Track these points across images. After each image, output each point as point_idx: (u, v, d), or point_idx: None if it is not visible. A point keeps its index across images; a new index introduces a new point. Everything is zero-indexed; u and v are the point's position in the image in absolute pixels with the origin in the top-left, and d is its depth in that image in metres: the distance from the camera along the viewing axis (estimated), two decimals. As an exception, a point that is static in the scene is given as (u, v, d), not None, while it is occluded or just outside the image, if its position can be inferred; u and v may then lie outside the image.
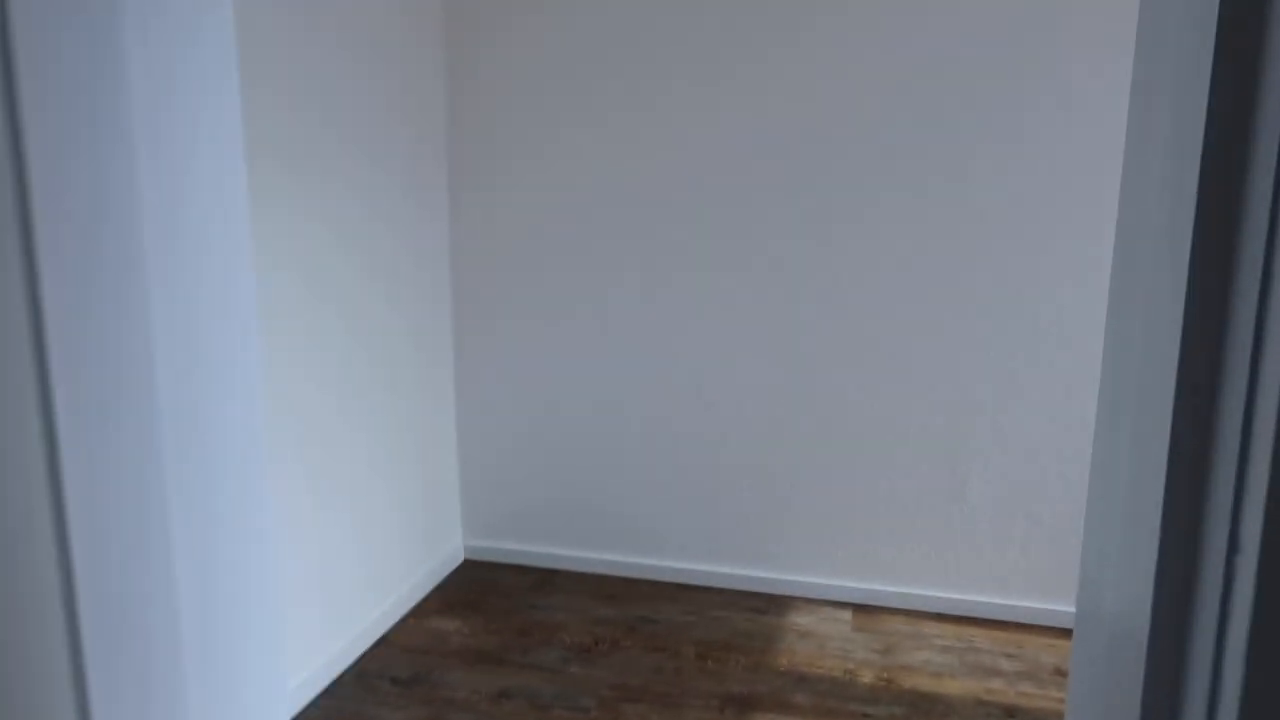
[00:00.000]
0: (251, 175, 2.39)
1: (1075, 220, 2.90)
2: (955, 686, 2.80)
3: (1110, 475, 0.79)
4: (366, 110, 2.88)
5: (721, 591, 3.42)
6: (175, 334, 0.71)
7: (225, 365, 0.77)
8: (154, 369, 0.69)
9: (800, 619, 3.22)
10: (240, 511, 0.82)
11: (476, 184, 3.38)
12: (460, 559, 3.66)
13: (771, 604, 3.33)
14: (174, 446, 0.72)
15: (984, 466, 3.13)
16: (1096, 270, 2.89)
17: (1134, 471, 0.71)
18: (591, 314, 3.37)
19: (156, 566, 0.72)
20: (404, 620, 3.19)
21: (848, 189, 3.06)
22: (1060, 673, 2.88)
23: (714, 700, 2.72)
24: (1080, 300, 2.93)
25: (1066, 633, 3.12)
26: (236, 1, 0.82)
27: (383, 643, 3.04)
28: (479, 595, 3.39)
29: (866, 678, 2.85)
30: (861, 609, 3.30)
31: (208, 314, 0.74)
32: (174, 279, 0.70)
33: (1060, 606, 3.16)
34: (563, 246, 3.35)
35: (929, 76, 2.93)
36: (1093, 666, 0.82)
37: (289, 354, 2.54)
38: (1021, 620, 3.19)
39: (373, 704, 2.70)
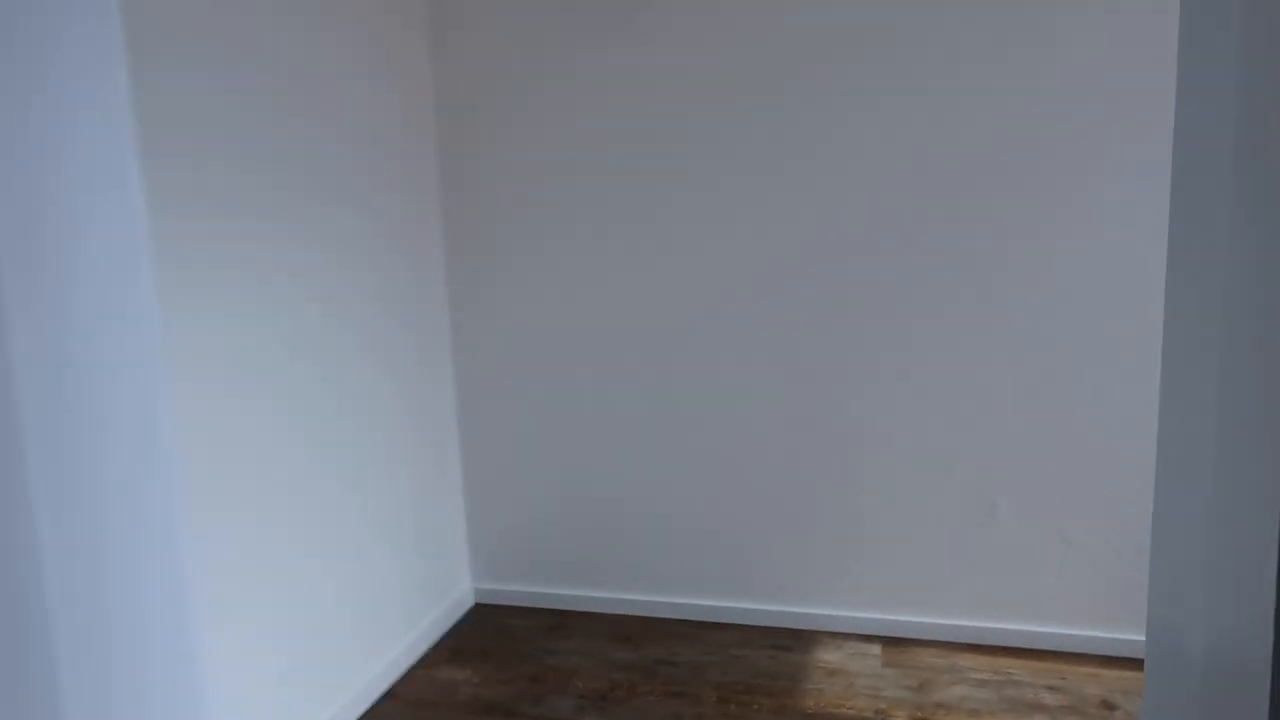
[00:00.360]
0: (222, 188, 2.30)
1: (1109, 233, 2.76)
2: (995, 724, 2.63)
3: (1185, 495, 0.66)
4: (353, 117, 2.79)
5: (742, 629, 3.26)
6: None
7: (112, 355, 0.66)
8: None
9: (827, 655, 3.06)
10: (134, 516, 0.70)
11: (468, 179, 3.28)
12: (470, 603, 3.52)
13: (796, 640, 3.17)
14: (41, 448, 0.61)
15: (1015, 487, 2.97)
16: (1132, 280, 2.74)
17: (1228, 489, 0.58)
18: (602, 344, 3.25)
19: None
20: (411, 672, 3.05)
21: (869, 196, 2.94)
22: (1107, 705, 2.70)
23: (738, 748, 2.56)
24: (1114, 313, 2.78)
25: (1111, 661, 2.94)
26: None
27: (388, 697, 2.90)
28: (489, 641, 3.24)
29: (900, 717, 2.68)
30: (891, 642, 3.13)
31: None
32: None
33: (1101, 633, 2.98)
34: (575, 276, 3.23)
35: None
36: (1180, 708, 0.69)
37: (274, 395, 2.42)
38: (1061, 649, 3.02)
39: (377, 764, 2.56)
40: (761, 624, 3.27)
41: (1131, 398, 2.80)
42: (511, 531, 3.48)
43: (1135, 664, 2.92)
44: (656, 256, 3.14)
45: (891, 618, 3.16)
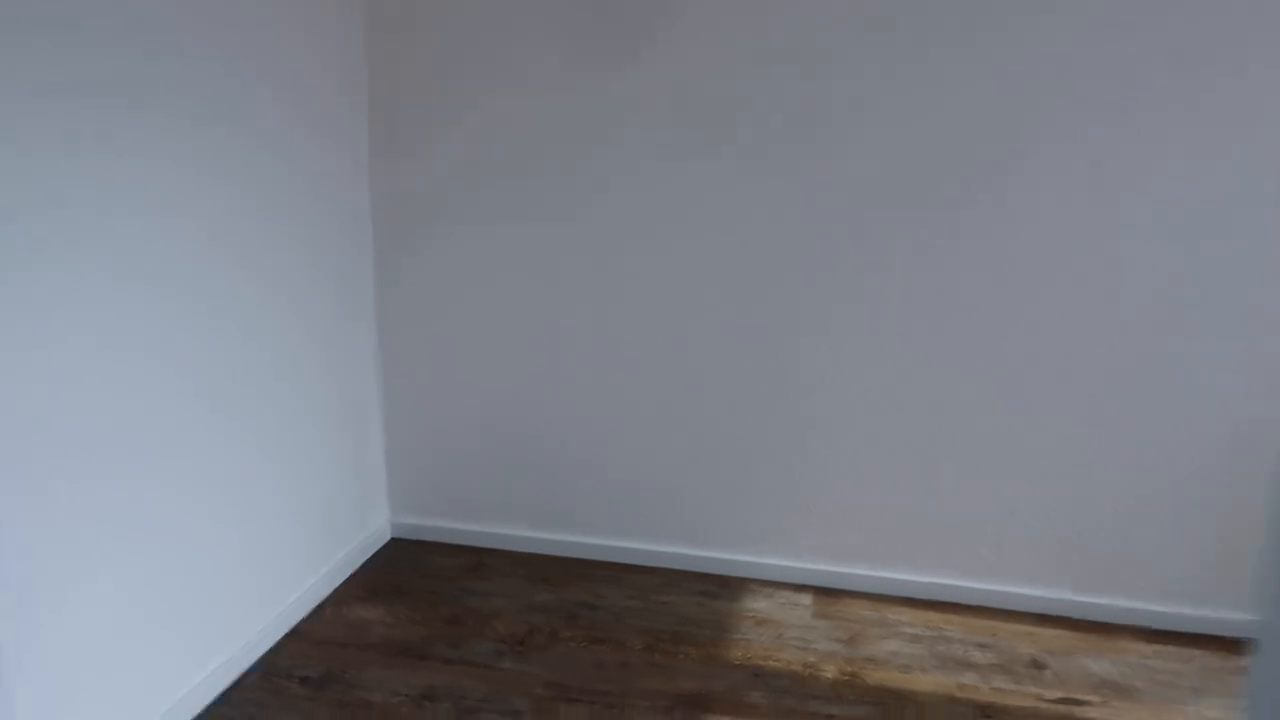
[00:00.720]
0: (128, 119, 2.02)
1: (1057, 196, 2.63)
2: (925, 682, 2.56)
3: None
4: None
5: (668, 573, 3.14)
6: None
7: None
8: None
9: (756, 604, 2.96)
10: None
11: (400, 109, 3.01)
12: (386, 538, 3.34)
13: (724, 587, 3.07)
14: None
15: (957, 446, 2.87)
16: (1075, 239, 2.62)
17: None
18: (537, 269, 3.03)
19: None
20: (320, 609, 2.87)
21: (828, 133, 2.75)
22: (1036, 664, 2.66)
23: (661, 700, 2.45)
24: (1065, 279, 2.66)
25: (1044, 619, 2.90)
26: None
27: (294, 636, 2.72)
28: (405, 579, 3.07)
29: (829, 672, 2.60)
30: (823, 593, 3.05)
31: None
32: None
33: (1036, 591, 2.93)
34: (505, 187, 3.00)
35: None
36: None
37: (180, 304, 2.17)
38: (994, 605, 2.97)
39: (276, 709, 2.39)
40: (689, 569, 3.16)
41: (1098, 355, 2.71)
42: (432, 464, 3.29)
43: (1068, 623, 2.89)
44: (593, 192, 2.92)
45: (824, 568, 3.07)
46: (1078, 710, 2.46)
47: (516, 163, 2.96)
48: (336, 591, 2.97)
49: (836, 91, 2.69)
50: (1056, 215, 2.64)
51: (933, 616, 2.92)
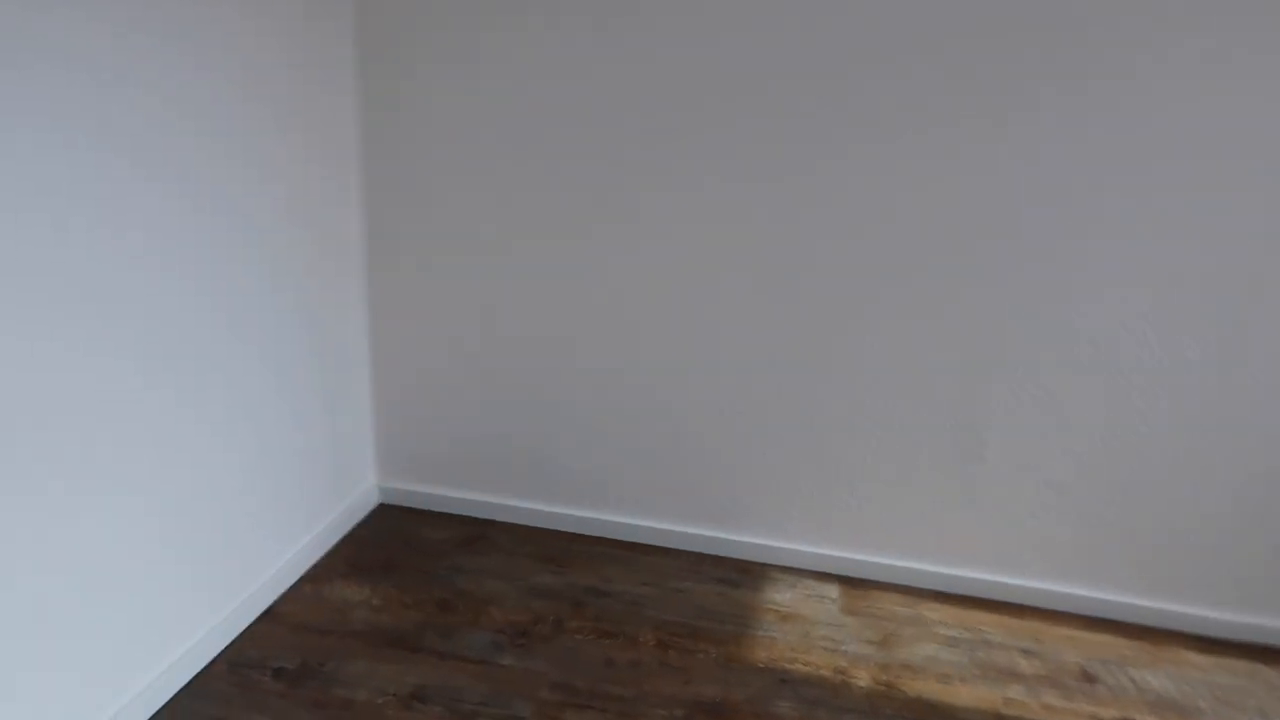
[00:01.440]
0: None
1: (1114, 160, 2.30)
2: (968, 695, 2.32)
3: None
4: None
5: (684, 555, 2.88)
6: None
7: None
8: None
9: (779, 595, 2.71)
10: None
11: (391, 58, 2.63)
12: (374, 503, 3.06)
13: (744, 574, 2.80)
14: None
15: (1000, 427, 2.59)
16: (1131, 220, 2.31)
17: None
18: (539, 221, 2.69)
19: None
20: (298, 586, 2.59)
21: (863, 109, 2.40)
22: (1087, 676, 2.42)
23: (679, 709, 2.19)
24: (1112, 249, 2.36)
25: (1091, 623, 2.66)
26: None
27: (267, 618, 2.44)
28: (394, 553, 2.79)
29: (863, 680, 2.35)
30: (850, 584, 2.79)
31: None
32: None
33: (1082, 591, 2.69)
34: (504, 137, 2.64)
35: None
36: None
37: (136, 244, 1.84)
38: (1036, 604, 2.72)
39: (244, 707, 2.12)
40: (707, 551, 2.89)
41: (1133, 338, 2.42)
42: (424, 424, 2.99)
43: (1115, 627, 2.66)
44: (606, 127, 2.56)
45: (851, 556, 2.81)
46: (1138, 735, 2.24)
47: (520, 99, 2.60)
48: (317, 566, 2.69)
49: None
50: (1111, 204, 2.32)
51: (970, 615, 2.67)
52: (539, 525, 2.98)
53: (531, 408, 2.88)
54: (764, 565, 2.85)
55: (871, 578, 2.81)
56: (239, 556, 2.35)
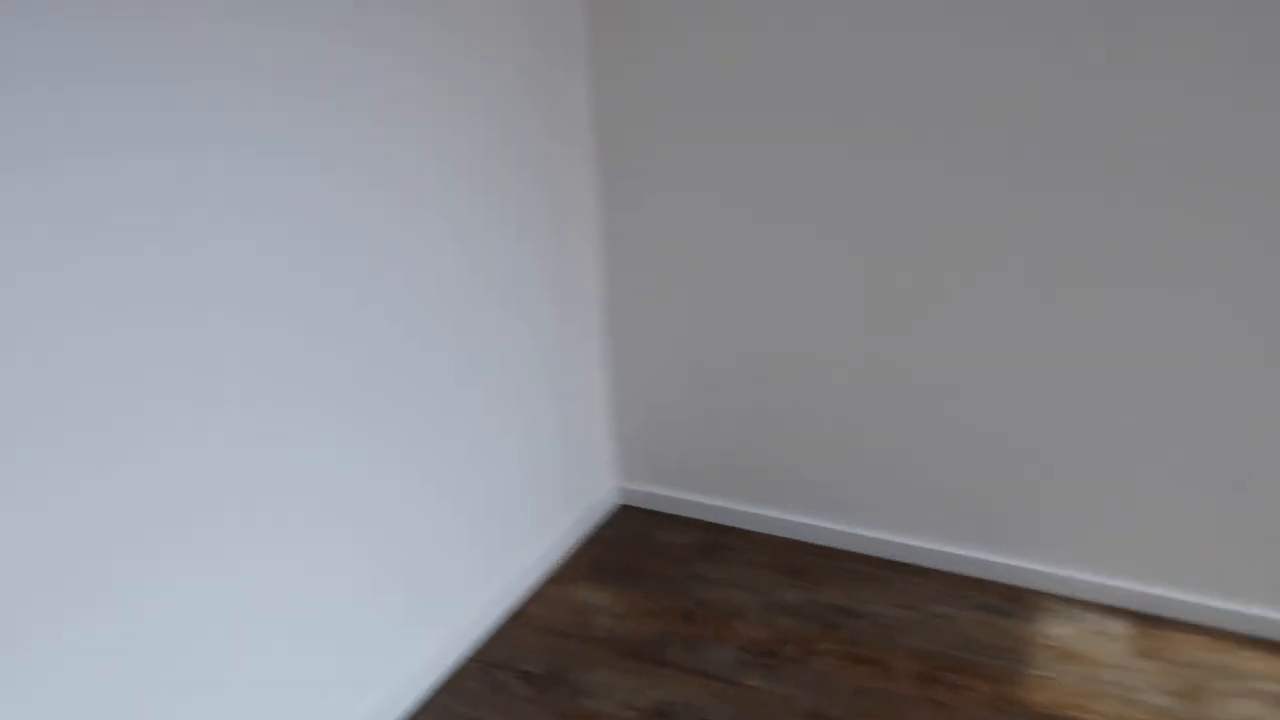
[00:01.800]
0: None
1: None
2: (1306, 771, 1.95)
3: None
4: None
5: (945, 577, 2.63)
6: None
7: None
8: None
9: (1057, 629, 2.41)
10: None
11: (625, 41, 2.55)
12: (614, 504, 3.02)
13: (1015, 602, 2.52)
14: None
15: (1369, 452, 2.16)
16: None
17: None
18: (796, 212, 2.53)
19: None
20: (543, 587, 2.59)
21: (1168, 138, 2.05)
22: None
23: (947, 754, 1.98)
24: None
25: None
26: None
27: (516, 619, 2.45)
28: (634, 557, 2.74)
29: (1166, 740, 2.03)
30: (1143, 620, 2.44)
31: None
32: None
33: None
34: (759, 114, 2.49)
35: None
36: None
37: (386, 232, 1.87)
38: (1388, 663, 2.27)
39: (495, 709, 2.12)
40: (970, 574, 2.63)
41: None
42: (666, 424, 2.91)
43: None
44: (870, 105, 2.35)
45: (1144, 589, 2.46)
46: None
47: (773, 68, 2.44)
48: (562, 566, 2.68)
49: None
50: None
51: (1300, 670, 2.26)
52: (782, 534, 2.83)
53: (778, 411, 2.73)
54: (1035, 593, 2.55)
55: (1167, 615, 2.44)
56: (488, 554, 2.37)
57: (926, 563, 2.67)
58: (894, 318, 2.50)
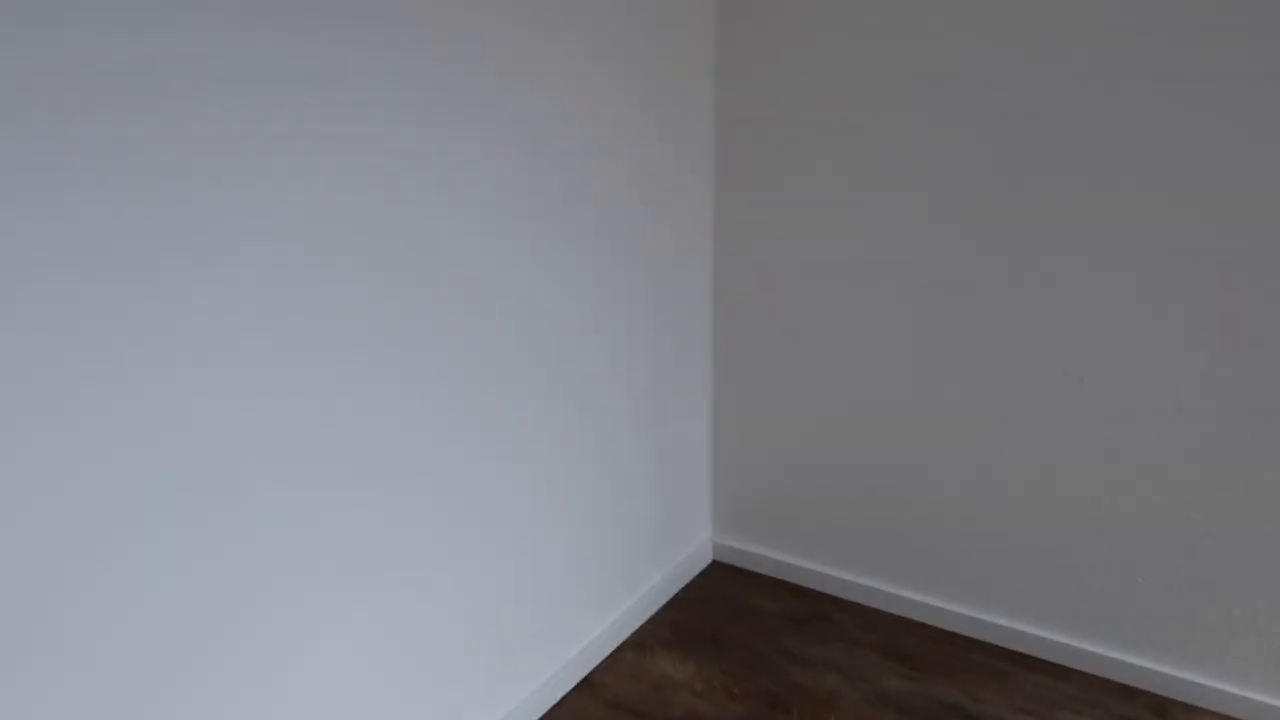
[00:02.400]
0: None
1: None
2: None
3: None
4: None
5: (1078, 678, 2.28)
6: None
7: None
8: None
9: (1214, 755, 2.04)
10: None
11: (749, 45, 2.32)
12: (707, 560, 2.78)
13: (1161, 714, 2.15)
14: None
15: None
16: None
17: None
18: (917, 259, 2.25)
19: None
20: (619, 653, 2.37)
21: None
22: None
23: None
24: None
25: None
26: None
27: (586, 688, 2.24)
28: (723, 621, 2.49)
29: None
30: (1321, 753, 2.04)
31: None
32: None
33: None
34: (879, 158, 2.23)
35: None
36: None
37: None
38: None
39: (553, 798, 1.92)
40: (1110, 676, 2.27)
41: None
42: (769, 480, 2.65)
43: None
44: (1022, 141, 2.05)
45: (1328, 716, 2.06)
46: None
47: (926, 76, 2.16)
48: (643, 629, 2.46)
49: None
50: None
51: None
52: (891, 610, 2.53)
53: (897, 470, 2.44)
54: (1188, 706, 2.17)
55: (1357, 751, 2.04)
56: (559, 615, 2.18)
57: (1059, 659, 2.32)
58: (1019, 380, 2.18)
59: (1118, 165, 1.97)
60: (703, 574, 2.73)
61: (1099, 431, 2.13)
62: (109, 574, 1.23)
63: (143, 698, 1.30)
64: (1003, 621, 2.38)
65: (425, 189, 1.61)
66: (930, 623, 2.47)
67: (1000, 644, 2.38)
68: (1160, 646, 2.20)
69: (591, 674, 2.28)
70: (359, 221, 1.49)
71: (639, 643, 2.41)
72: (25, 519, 1.13)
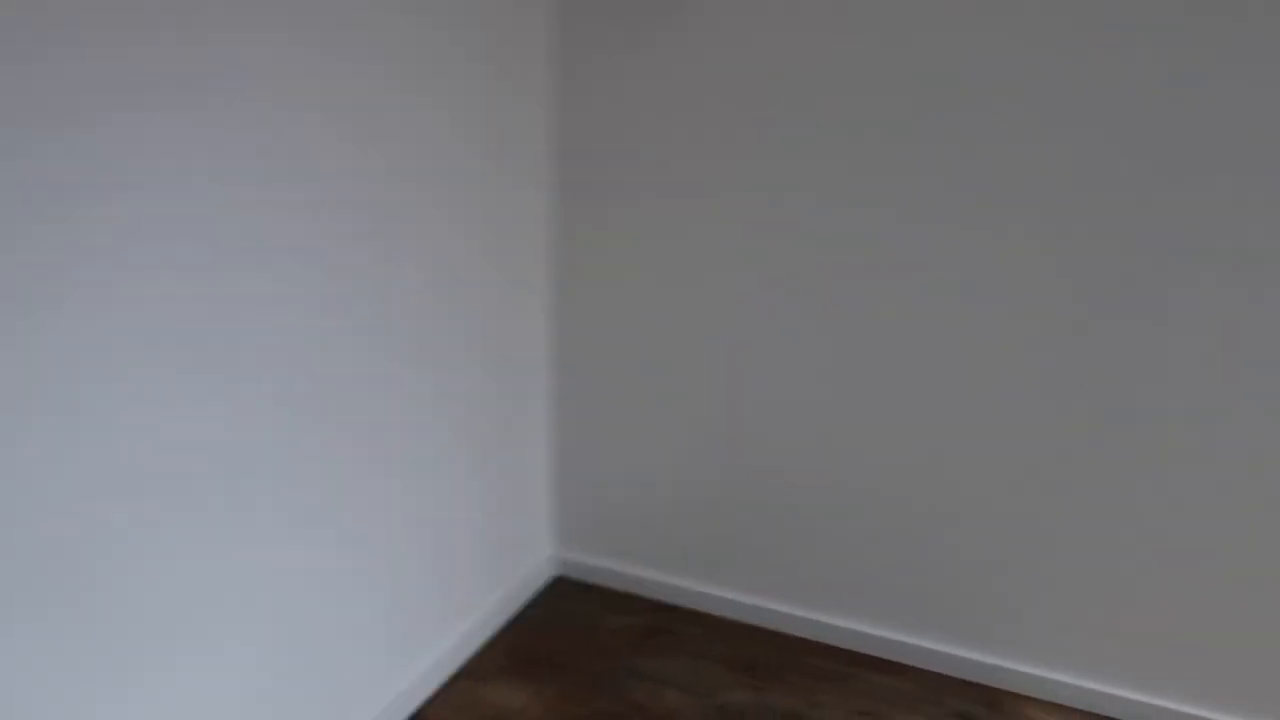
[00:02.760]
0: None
1: None
2: None
3: None
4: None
5: (915, 675, 2.30)
6: None
7: None
8: None
9: (1042, 744, 2.08)
10: None
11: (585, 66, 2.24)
12: (548, 576, 2.69)
13: (994, 709, 2.19)
14: None
15: None
16: None
17: None
18: (757, 263, 2.22)
19: None
20: (454, 681, 2.25)
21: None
22: None
23: None
24: None
25: None
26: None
27: (414, 724, 2.12)
28: (565, 644, 2.40)
29: None
30: (1137, 733, 2.11)
31: None
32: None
33: None
34: (720, 157, 2.18)
35: None
36: None
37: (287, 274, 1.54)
38: None
39: None
40: (945, 671, 2.30)
41: None
42: (614, 491, 2.58)
43: None
44: (838, 153, 2.04)
45: (1136, 697, 2.13)
46: None
47: (749, 100, 2.13)
48: (478, 654, 2.35)
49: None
50: None
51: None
52: (735, 618, 2.50)
53: (738, 479, 2.40)
54: (1019, 697, 2.22)
55: (1169, 729, 2.11)
56: (385, 646, 2.04)
57: (896, 657, 2.33)
58: (856, 382, 2.18)
59: (936, 168, 1.99)
60: (545, 592, 2.64)
61: (926, 432, 2.15)
62: None
63: None
64: (843, 623, 2.37)
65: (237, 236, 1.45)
66: (776, 629, 2.45)
67: (842, 646, 2.38)
68: (992, 639, 2.23)
69: (422, 708, 2.15)
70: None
71: (474, 670, 2.29)
72: None
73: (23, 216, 1.17)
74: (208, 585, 1.56)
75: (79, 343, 1.27)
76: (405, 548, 2.06)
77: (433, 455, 2.11)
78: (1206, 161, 1.79)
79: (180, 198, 1.39)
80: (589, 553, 2.66)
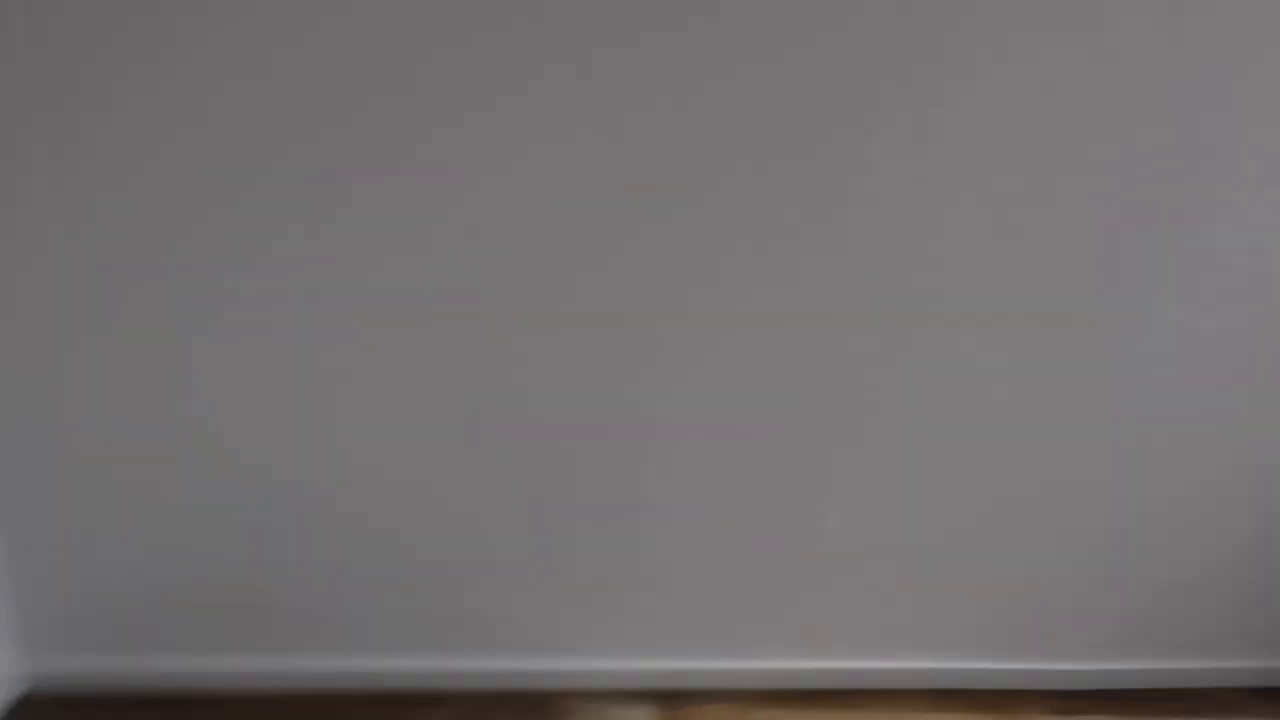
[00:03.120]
0: None
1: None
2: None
3: None
4: None
5: (463, 701, 2.25)
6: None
7: None
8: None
9: (584, 731, 2.16)
10: None
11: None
12: (14, 696, 2.19)
13: (538, 710, 2.23)
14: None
15: (843, 495, 2.19)
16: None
17: None
18: (204, 282, 1.98)
19: None
20: None
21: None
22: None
23: None
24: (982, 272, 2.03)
25: (940, 697, 2.32)
26: None
27: None
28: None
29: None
30: (667, 699, 2.30)
31: None
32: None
33: (938, 664, 2.35)
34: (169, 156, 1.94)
35: None
36: None
37: None
38: (890, 685, 2.35)
39: None
40: (492, 687, 2.28)
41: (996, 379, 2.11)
42: (91, 579, 2.16)
43: (965, 699, 2.33)
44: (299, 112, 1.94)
45: (664, 665, 2.32)
46: None
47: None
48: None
49: None
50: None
51: (808, 715, 2.25)
52: (269, 688, 2.23)
53: (226, 532, 2.13)
54: (562, 694, 2.29)
55: (692, 687, 2.32)
56: None
57: (435, 686, 2.27)
58: (355, 396, 2.07)
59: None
60: (14, 711, 2.15)
61: (433, 459, 2.11)
62: None
63: None
64: (366, 665, 2.24)
65: None
66: (315, 688, 2.24)
67: (383, 689, 2.25)
68: (523, 645, 2.27)
69: None
70: None
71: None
72: None
73: None
74: None
75: None
76: None
77: None
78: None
79: None
80: (73, 653, 2.20)
